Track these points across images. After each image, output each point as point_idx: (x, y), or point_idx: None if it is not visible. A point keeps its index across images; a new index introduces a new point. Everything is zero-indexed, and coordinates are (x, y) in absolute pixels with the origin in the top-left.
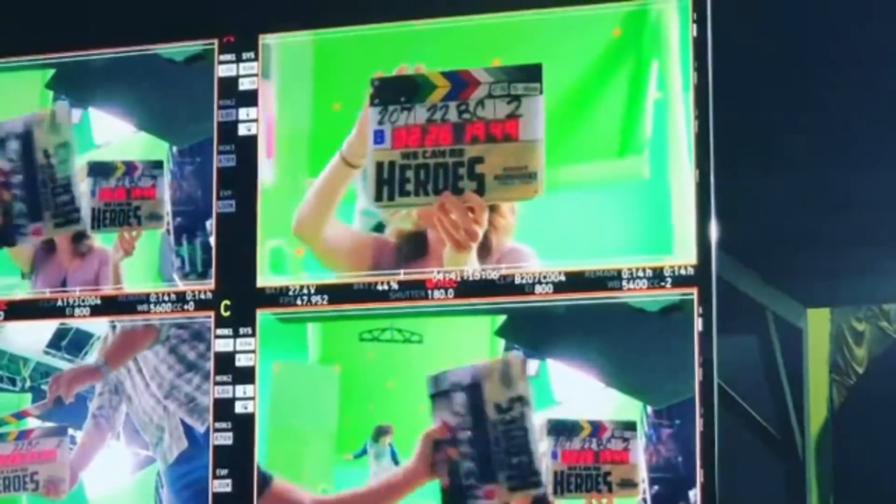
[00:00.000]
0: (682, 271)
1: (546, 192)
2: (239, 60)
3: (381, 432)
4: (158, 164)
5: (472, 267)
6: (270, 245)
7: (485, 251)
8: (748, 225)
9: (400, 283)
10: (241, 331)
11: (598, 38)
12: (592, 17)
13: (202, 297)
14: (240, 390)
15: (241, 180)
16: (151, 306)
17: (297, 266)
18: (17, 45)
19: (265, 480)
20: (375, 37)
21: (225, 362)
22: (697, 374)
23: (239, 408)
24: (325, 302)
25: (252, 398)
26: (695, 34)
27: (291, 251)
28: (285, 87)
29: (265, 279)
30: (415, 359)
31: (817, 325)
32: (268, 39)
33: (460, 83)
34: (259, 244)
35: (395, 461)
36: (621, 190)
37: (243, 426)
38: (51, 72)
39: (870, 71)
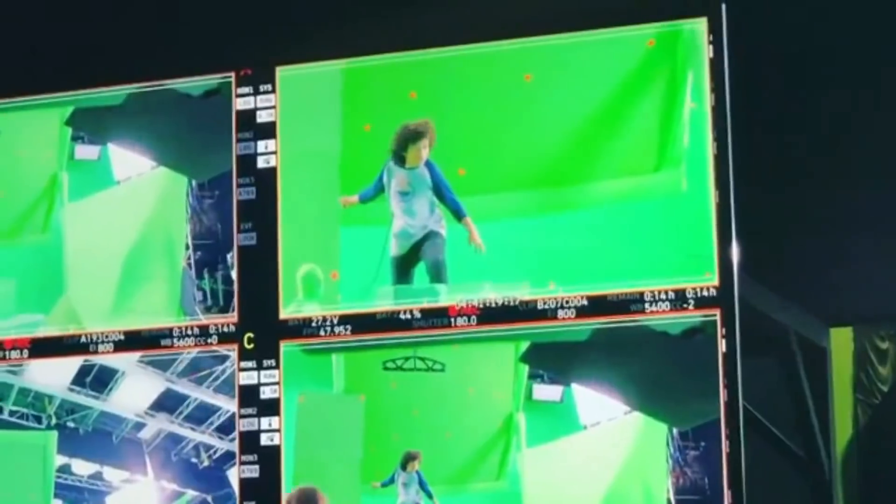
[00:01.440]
0: (705, 293)
1: (583, 207)
2: (256, 93)
3: (409, 458)
4: None
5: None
6: (304, 270)
7: None
8: (769, 244)
9: (422, 311)
10: (265, 363)
11: (632, 49)
12: (625, 31)
13: (225, 330)
14: (265, 422)
15: (262, 212)
16: (175, 340)
17: (333, 290)
18: (35, 82)
19: None
20: (409, 61)
21: (249, 395)
22: (722, 395)
23: (265, 440)
24: (348, 332)
25: (277, 430)
26: (711, 55)
27: (326, 275)
28: (314, 113)
29: (297, 307)
30: (439, 385)
31: (840, 343)
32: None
33: None
34: (283, 273)
35: (424, 489)
36: (659, 203)
37: (269, 458)
38: (69, 109)
39: (894, 90)
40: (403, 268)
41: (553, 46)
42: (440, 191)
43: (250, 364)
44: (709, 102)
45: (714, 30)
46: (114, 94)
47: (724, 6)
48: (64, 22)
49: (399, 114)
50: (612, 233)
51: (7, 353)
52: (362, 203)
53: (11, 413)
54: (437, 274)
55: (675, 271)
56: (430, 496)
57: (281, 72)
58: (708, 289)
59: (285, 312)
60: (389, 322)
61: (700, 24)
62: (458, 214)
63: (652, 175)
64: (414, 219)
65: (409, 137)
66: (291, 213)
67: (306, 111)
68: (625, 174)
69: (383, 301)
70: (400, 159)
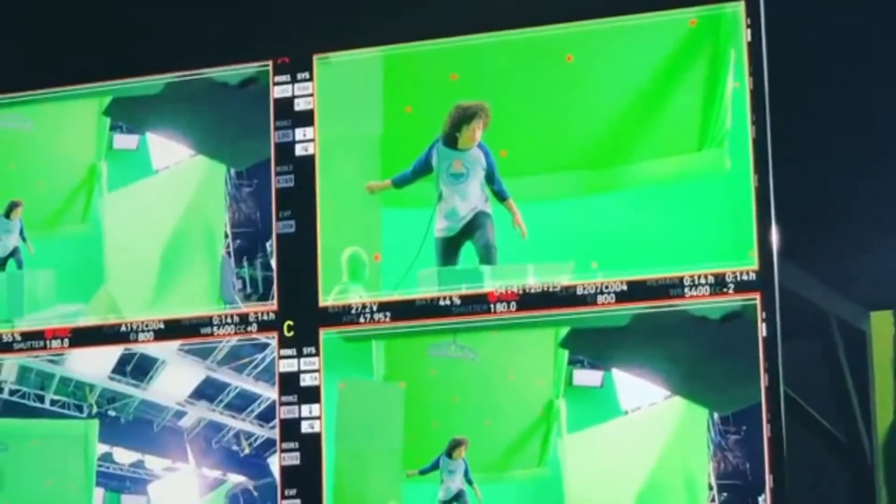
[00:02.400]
0: (745, 277)
1: (625, 188)
2: (294, 81)
3: (455, 445)
4: None
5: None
6: (348, 252)
7: None
8: (809, 228)
9: (462, 297)
10: (305, 350)
11: (673, 28)
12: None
13: (265, 318)
14: (305, 410)
15: (301, 200)
16: (215, 329)
17: (376, 273)
18: (73, 73)
19: None
20: (450, 44)
21: (290, 382)
22: (763, 379)
23: (305, 427)
24: (387, 319)
25: (318, 417)
26: (749, 39)
27: (369, 257)
28: (355, 97)
29: (341, 290)
30: (479, 372)
31: (881, 327)
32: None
33: None
34: (323, 260)
35: (468, 478)
36: (703, 183)
37: (310, 445)
38: (107, 99)
39: None
40: (451, 249)
41: (594, 26)
42: (491, 172)
43: (290, 352)
44: (748, 86)
45: (752, 13)
46: (152, 83)
47: None
48: (102, 12)
49: (441, 95)
50: (656, 212)
51: (48, 342)
52: (396, 187)
53: (53, 402)
54: (486, 254)
55: (718, 251)
56: (470, 483)
57: (318, 60)
58: (748, 273)
59: (326, 298)
60: (429, 308)
61: (739, 7)
62: (501, 196)
63: (695, 154)
64: (465, 200)
65: (464, 118)
66: (330, 199)
67: (345, 97)
68: (668, 154)
69: (426, 284)
70: (452, 140)
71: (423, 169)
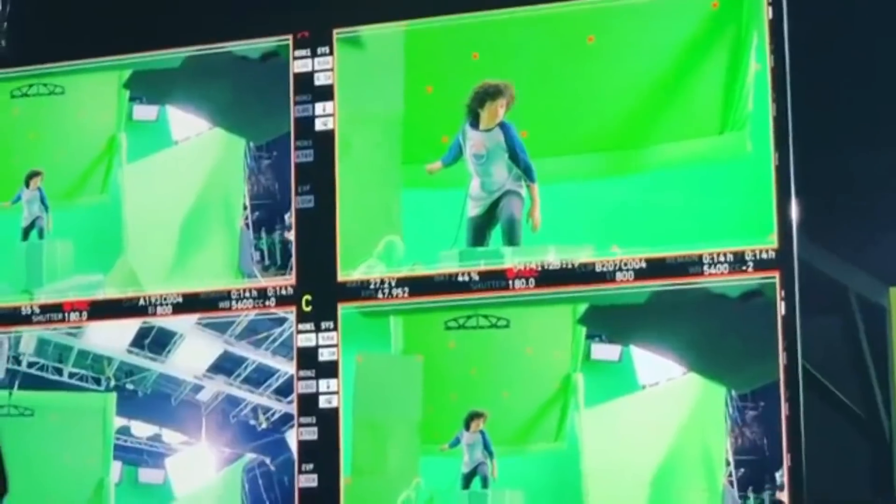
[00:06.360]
0: (764, 255)
1: (647, 169)
2: (314, 55)
3: (472, 417)
4: None
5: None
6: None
7: None
8: (828, 204)
9: (481, 273)
10: (323, 325)
11: (695, 11)
12: None
13: (283, 292)
14: (323, 385)
15: (320, 175)
16: (233, 303)
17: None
18: (94, 46)
19: None
20: (471, 22)
21: (308, 357)
22: (781, 357)
23: (323, 402)
24: (405, 294)
25: (336, 392)
26: (770, 16)
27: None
28: (375, 74)
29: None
30: (497, 346)
31: None
32: (349, 32)
33: None
34: (341, 235)
35: (488, 450)
36: (723, 166)
37: (328, 420)
38: (128, 72)
39: None
40: (480, 230)
41: (616, 8)
42: (514, 153)
43: (308, 326)
44: (769, 64)
45: None
46: (172, 56)
47: None
48: None
49: (462, 75)
50: (676, 195)
51: (66, 314)
52: (446, 167)
53: (71, 375)
54: (511, 233)
55: (739, 233)
56: (490, 455)
57: (338, 34)
58: (767, 251)
59: (344, 274)
60: (448, 284)
61: None
62: (528, 178)
63: (716, 137)
64: (491, 180)
65: (488, 95)
66: (350, 175)
67: (366, 73)
68: (689, 136)
69: (447, 264)
70: (475, 118)
71: (458, 150)
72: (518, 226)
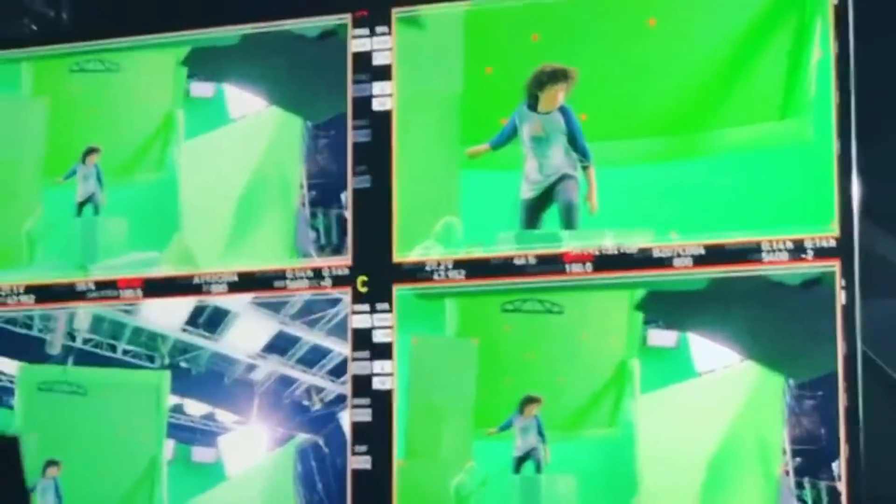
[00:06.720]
0: (824, 243)
1: (707, 154)
2: (372, 35)
3: (526, 401)
4: None
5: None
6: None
7: None
8: (888, 191)
9: (538, 257)
10: (379, 307)
11: None
12: None
13: (339, 273)
14: (377, 366)
15: (377, 155)
16: (288, 282)
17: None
18: (152, 22)
19: None
20: (532, 3)
21: (362, 338)
22: (840, 348)
23: (377, 384)
24: (462, 277)
25: (390, 374)
26: (836, 2)
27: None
28: (434, 55)
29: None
30: (553, 330)
31: None
32: (408, 11)
33: None
34: (398, 216)
35: (541, 435)
36: (784, 152)
37: (381, 402)
38: (185, 49)
39: None
40: (533, 212)
41: None
42: (574, 136)
43: (364, 307)
44: (832, 50)
45: None
46: (229, 34)
47: None
48: None
49: (522, 57)
50: (737, 181)
51: (121, 292)
52: (494, 149)
53: (125, 352)
54: (568, 217)
55: (799, 221)
56: (544, 440)
57: (397, 14)
58: (827, 239)
59: (400, 256)
60: (504, 267)
61: None
62: (584, 162)
63: (778, 123)
64: (548, 163)
65: (548, 78)
66: (408, 156)
67: (425, 54)
68: (750, 122)
69: (504, 246)
70: (534, 101)
71: (512, 131)
72: (576, 210)
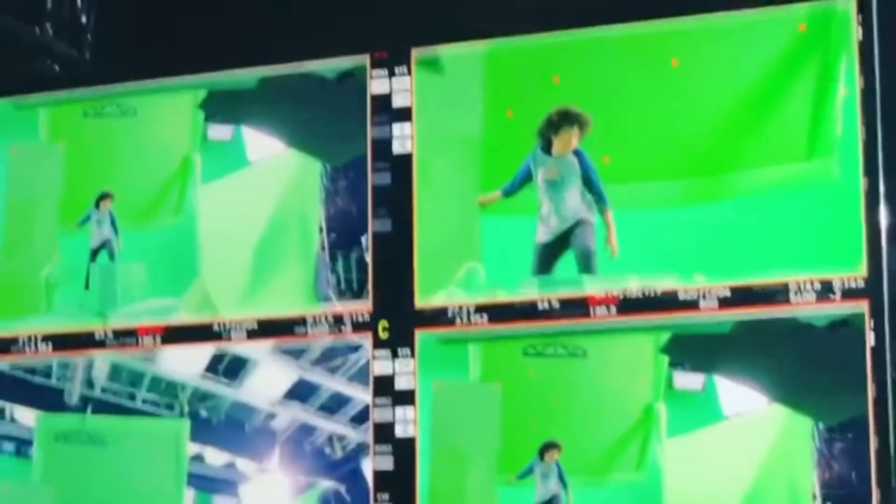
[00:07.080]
0: (852, 284)
1: (732, 195)
2: (391, 75)
3: (546, 447)
4: None
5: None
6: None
7: None
8: None
9: (561, 300)
10: (400, 352)
11: (782, 33)
12: (775, 14)
13: (359, 318)
14: (399, 413)
15: (397, 198)
16: (308, 328)
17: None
18: (170, 65)
19: None
20: (552, 44)
21: (384, 384)
22: (870, 390)
23: (399, 431)
24: (484, 321)
25: (412, 421)
26: (860, 37)
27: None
28: (454, 96)
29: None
30: (578, 374)
31: None
32: (428, 52)
33: None
34: (419, 261)
35: (563, 481)
36: (810, 192)
37: (404, 449)
38: (203, 92)
39: None
40: (549, 257)
41: (701, 30)
42: (589, 179)
43: (385, 353)
44: (858, 85)
45: (863, 9)
46: (247, 77)
47: None
48: (197, 5)
49: (543, 99)
50: (762, 223)
51: (141, 339)
52: (506, 197)
53: (144, 401)
54: (586, 263)
55: (826, 261)
56: (565, 487)
57: (417, 54)
58: (856, 279)
59: (422, 300)
60: (527, 311)
61: (850, 3)
62: (600, 206)
63: (804, 163)
64: (563, 208)
65: (561, 121)
66: (429, 199)
67: (445, 95)
68: (775, 162)
69: (526, 290)
70: (547, 144)
71: (526, 176)
72: (593, 256)
